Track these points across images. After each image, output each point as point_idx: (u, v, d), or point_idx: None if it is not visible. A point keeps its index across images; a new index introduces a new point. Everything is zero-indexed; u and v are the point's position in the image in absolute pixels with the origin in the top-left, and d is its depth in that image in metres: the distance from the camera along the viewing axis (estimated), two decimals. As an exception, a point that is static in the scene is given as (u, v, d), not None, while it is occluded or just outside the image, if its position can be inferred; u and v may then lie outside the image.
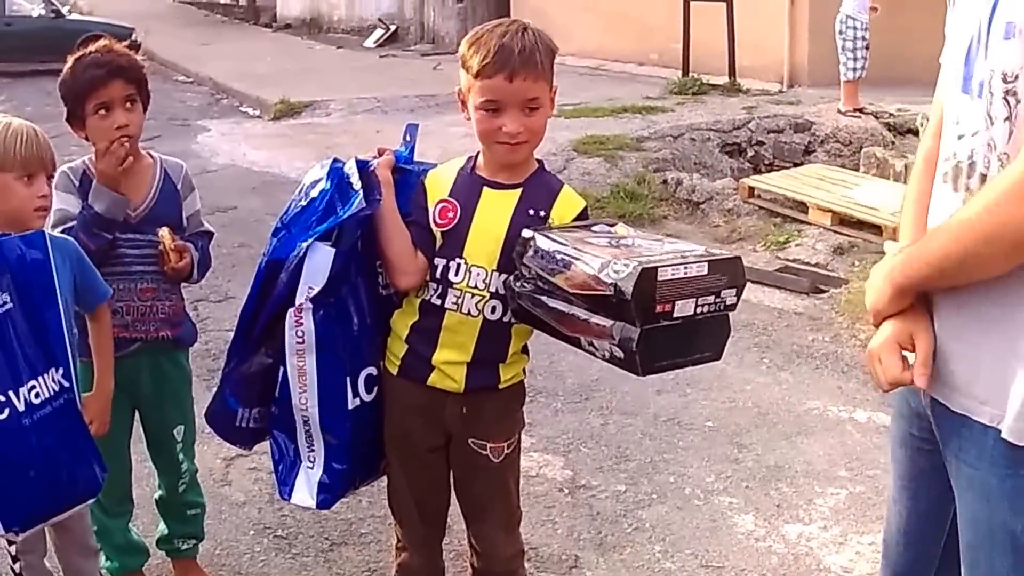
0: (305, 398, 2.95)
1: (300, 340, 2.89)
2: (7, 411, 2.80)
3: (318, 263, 2.86)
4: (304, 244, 2.87)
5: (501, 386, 3.04)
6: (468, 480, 3.15)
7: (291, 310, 2.88)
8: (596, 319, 2.65)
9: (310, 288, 2.86)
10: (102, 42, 3.54)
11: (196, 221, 3.71)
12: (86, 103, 3.43)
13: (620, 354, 2.62)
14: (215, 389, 3.21)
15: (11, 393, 2.81)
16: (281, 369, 2.97)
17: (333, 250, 2.87)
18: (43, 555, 3.39)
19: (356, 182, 2.90)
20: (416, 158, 3.14)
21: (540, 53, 2.84)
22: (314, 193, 2.96)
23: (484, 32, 2.89)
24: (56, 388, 2.92)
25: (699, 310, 2.62)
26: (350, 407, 3.00)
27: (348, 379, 2.99)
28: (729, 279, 2.67)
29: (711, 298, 2.63)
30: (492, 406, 3.06)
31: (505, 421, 3.11)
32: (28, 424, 2.83)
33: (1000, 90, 1.93)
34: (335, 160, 2.99)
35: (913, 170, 2.37)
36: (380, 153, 3.03)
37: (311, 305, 2.87)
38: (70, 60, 3.50)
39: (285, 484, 3.10)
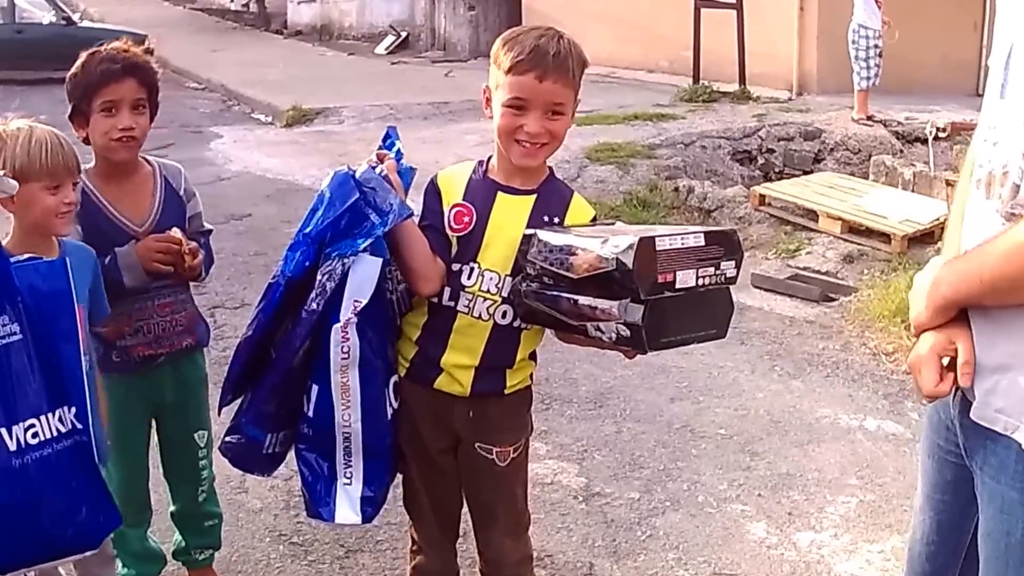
0: (348, 414, 2.88)
1: (345, 356, 2.83)
2: None
3: (364, 275, 2.81)
4: (342, 258, 2.80)
5: (507, 391, 3.06)
6: (475, 484, 3.18)
7: (336, 327, 2.80)
8: (601, 303, 2.67)
9: (356, 302, 2.80)
10: (118, 43, 3.43)
11: (198, 223, 3.64)
12: (94, 99, 3.34)
13: (627, 332, 2.64)
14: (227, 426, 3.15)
15: (3, 431, 2.60)
16: (315, 387, 2.90)
17: (380, 260, 2.82)
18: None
19: (385, 188, 2.85)
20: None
21: (573, 61, 2.88)
22: (335, 204, 2.85)
23: (521, 32, 2.92)
24: (63, 428, 2.73)
25: (701, 281, 2.66)
26: (388, 417, 2.99)
27: (386, 389, 2.97)
28: (727, 250, 2.71)
29: (711, 269, 2.67)
30: (499, 410, 3.07)
31: (512, 425, 3.13)
32: (18, 465, 2.62)
33: None
34: (348, 168, 2.92)
35: (961, 175, 2.36)
36: (380, 158, 2.98)
37: (356, 319, 2.81)
38: (82, 56, 3.39)
39: (325, 505, 2.99)
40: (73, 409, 2.76)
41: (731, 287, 2.78)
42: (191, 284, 3.65)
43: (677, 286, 2.62)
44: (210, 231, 3.74)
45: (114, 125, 3.34)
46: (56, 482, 2.71)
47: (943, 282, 2.13)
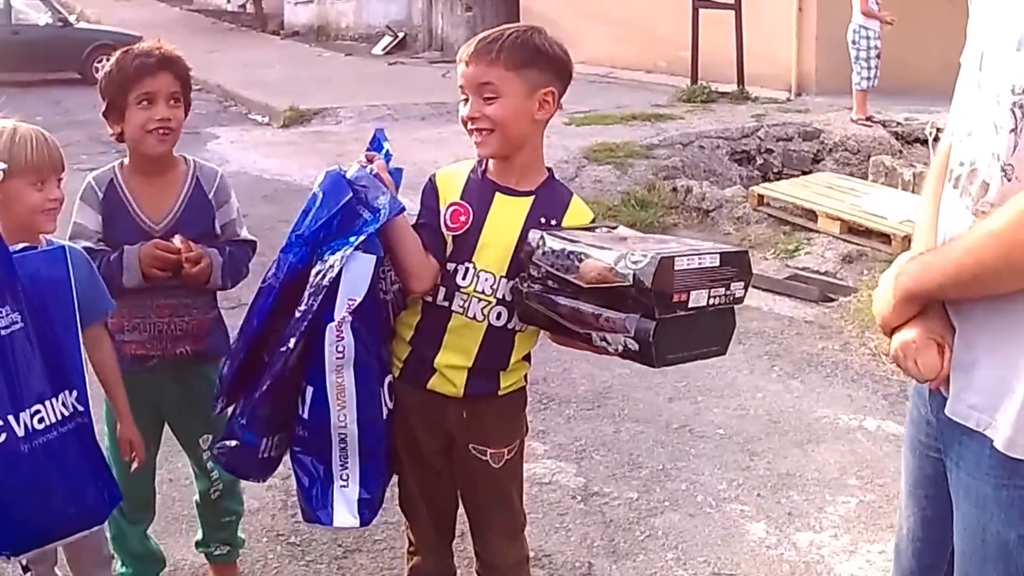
0: (344, 415, 2.85)
1: (340, 355, 2.79)
2: (4, 435, 2.65)
3: (358, 273, 2.77)
4: (336, 256, 2.77)
5: (501, 392, 3.05)
6: (469, 486, 3.17)
7: (331, 325, 2.77)
8: (608, 313, 2.67)
9: (351, 300, 2.77)
10: (152, 41, 3.49)
11: (231, 231, 3.58)
12: (130, 92, 3.35)
13: (635, 346, 2.64)
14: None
15: (10, 418, 2.67)
16: (310, 389, 2.86)
17: (374, 257, 2.80)
18: (53, 564, 3.37)
19: (377, 186, 2.84)
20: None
21: (505, 44, 2.87)
22: (328, 204, 2.82)
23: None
24: (66, 412, 2.79)
25: (711, 301, 2.67)
26: (384, 417, 2.95)
27: (381, 389, 2.94)
28: (739, 271, 2.73)
29: (722, 290, 2.69)
30: (492, 412, 3.06)
31: (506, 427, 3.12)
32: (26, 450, 2.69)
33: (1008, 101, 1.93)
34: (339, 168, 2.91)
35: (930, 172, 2.37)
36: (369, 159, 2.97)
37: (351, 318, 2.77)
38: (116, 54, 3.43)
39: (324, 508, 2.94)
40: (74, 393, 2.82)
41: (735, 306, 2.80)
42: (216, 293, 3.61)
43: (689, 305, 2.63)
44: (250, 241, 3.66)
45: (150, 116, 3.36)
46: (63, 464, 2.80)
47: (904, 274, 2.14)
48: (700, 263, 2.64)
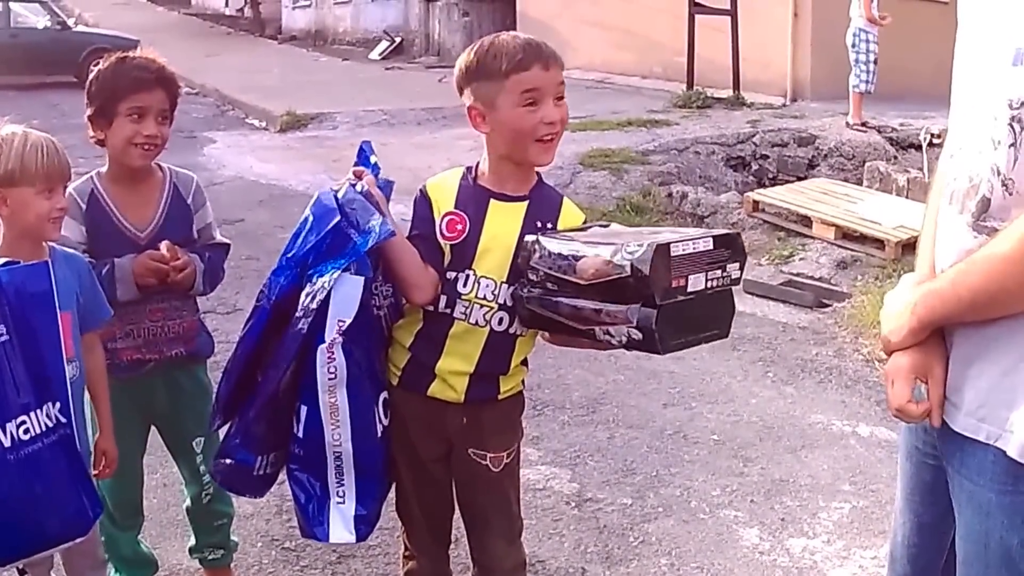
0: (338, 433, 2.86)
1: (332, 376, 2.80)
2: None
3: (347, 294, 2.78)
4: (324, 279, 2.78)
5: (501, 397, 3.06)
6: (468, 490, 3.17)
7: (322, 347, 2.78)
8: (609, 307, 2.69)
9: (340, 322, 2.77)
10: (148, 52, 3.52)
11: (207, 235, 3.64)
12: (122, 102, 3.36)
13: (639, 335, 2.67)
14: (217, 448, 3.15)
15: None
16: (304, 408, 2.87)
17: (362, 279, 2.80)
18: (49, 567, 3.38)
19: (367, 208, 2.85)
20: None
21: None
22: (318, 227, 2.84)
23: (493, 39, 2.93)
24: (50, 423, 2.80)
25: (709, 284, 2.70)
26: (379, 434, 2.96)
27: (375, 407, 2.95)
28: (732, 253, 2.76)
29: (719, 272, 2.72)
30: (492, 416, 3.07)
31: (505, 431, 3.12)
32: (12, 460, 2.69)
33: (1006, 116, 1.92)
34: (331, 189, 2.92)
35: (932, 189, 2.36)
36: (358, 175, 2.97)
37: (341, 339, 2.78)
38: (111, 58, 3.44)
39: (320, 525, 2.96)
40: (57, 404, 2.82)
41: (732, 288, 2.83)
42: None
43: (688, 290, 2.66)
44: (225, 245, 3.73)
45: (139, 131, 3.38)
46: (48, 475, 2.79)
47: (917, 304, 2.13)
48: (695, 247, 2.67)
